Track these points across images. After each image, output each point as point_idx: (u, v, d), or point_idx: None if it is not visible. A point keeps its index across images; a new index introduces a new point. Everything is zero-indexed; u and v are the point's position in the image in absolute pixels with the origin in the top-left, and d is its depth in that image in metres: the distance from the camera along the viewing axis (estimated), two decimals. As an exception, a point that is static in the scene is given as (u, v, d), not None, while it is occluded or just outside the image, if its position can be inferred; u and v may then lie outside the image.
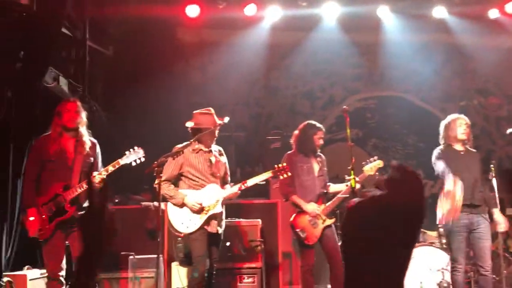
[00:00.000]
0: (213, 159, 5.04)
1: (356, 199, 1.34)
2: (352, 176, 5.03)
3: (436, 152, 5.43)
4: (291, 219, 5.50)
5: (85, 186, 4.66)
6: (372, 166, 5.58)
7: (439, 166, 5.31)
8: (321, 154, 5.70)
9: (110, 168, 4.74)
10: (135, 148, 4.87)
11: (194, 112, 5.07)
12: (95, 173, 4.73)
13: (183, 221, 4.89)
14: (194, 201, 4.86)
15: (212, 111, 5.07)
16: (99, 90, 8.24)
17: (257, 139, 8.75)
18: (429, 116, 8.86)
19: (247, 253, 5.85)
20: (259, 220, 6.04)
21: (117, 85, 8.38)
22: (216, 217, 4.92)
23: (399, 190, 1.30)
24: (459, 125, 5.47)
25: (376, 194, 1.32)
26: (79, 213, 4.73)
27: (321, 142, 5.56)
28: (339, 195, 5.51)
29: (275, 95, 9.06)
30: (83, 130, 4.85)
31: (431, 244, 6.12)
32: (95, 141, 5.01)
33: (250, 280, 5.78)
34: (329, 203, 5.50)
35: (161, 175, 4.59)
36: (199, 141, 5.00)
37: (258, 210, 6.37)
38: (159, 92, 8.37)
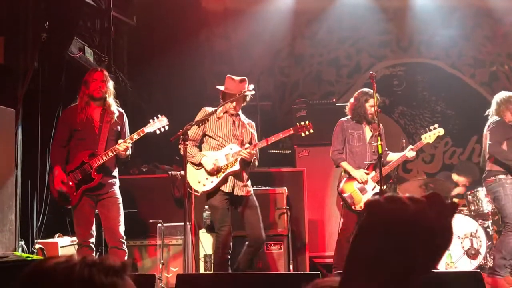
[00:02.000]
0: (237, 123, 5.06)
1: (376, 197, 1.22)
2: (379, 142, 5.00)
3: (493, 123, 5.43)
4: (340, 185, 5.58)
5: (110, 154, 4.71)
6: (431, 134, 5.57)
7: (497, 135, 5.33)
8: (378, 122, 5.68)
9: (135, 136, 4.77)
10: (159, 116, 4.88)
11: (227, 76, 5.09)
12: (120, 141, 4.77)
13: (200, 179, 4.95)
14: (211, 162, 4.89)
15: (245, 79, 5.07)
16: (124, 60, 8.26)
17: (283, 108, 8.71)
18: (458, 83, 8.67)
19: (273, 220, 5.88)
20: (285, 188, 6.04)
21: (142, 55, 8.39)
22: (233, 176, 4.95)
23: (434, 207, 1.17)
24: None
25: (405, 201, 1.16)
26: (108, 180, 4.81)
27: (373, 109, 5.50)
28: (391, 163, 5.61)
29: (300, 63, 8.95)
30: (110, 99, 4.87)
31: (459, 211, 6.07)
32: (122, 110, 5.02)
33: (277, 247, 5.81)
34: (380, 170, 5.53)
35: (186, 142, 4.61)
36: (226, 105, 5.02)
37: (284, 179, 6.37)
38: (184, 61, 8.35)
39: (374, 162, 5.52)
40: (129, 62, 8.34)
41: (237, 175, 4.96)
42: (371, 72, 5.40)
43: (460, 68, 8.75)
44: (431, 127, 5.63)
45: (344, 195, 5.50)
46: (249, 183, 5.10)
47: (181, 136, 4.59)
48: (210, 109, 5.01)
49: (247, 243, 5.03)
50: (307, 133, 5.13)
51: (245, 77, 5.05)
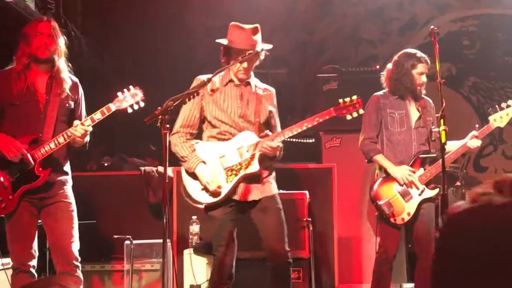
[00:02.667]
0: (246, 95, 4.95)
1: (461, 203, 1.26)
2: (442, 127, 4.98)
3: None
4: (373, 188, 5.56)
5: (61, 140, 4.73)
6: (503, 115, 5.56)
7: None
8: (427, 98, 5.66)
9: (97, 116, 4.75)
10: (131, 88, 4.88)
11: (231, 24, 5.00)
12: (76, 122, 4.77)
13: (203, 185, 4.89)
14: (209, 171, 4.80)
15: (258, 29, 4.98)
16: (78, 7, 8.28)
17: (304, 78, 8.71)
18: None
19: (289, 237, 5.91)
20: (306, 192, 6.05)
21: (101, 2, 8.41)
22: (250, 179, 4.90)
23: None
24: None
25: (496, 201, 1.22)
26: (56, 178, 4.83)
27: (424, 79, 5.49)
28: (448, 155, 5.43)
29: (329, 15, 8.95)
30: (61, 63, 4.87)
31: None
32: (76, 79, 5.01)
33: (294, 275, 5.83)
34: (432, 165, 5.51)
35: (167, 125, 4.58)
36: (231, 69, 4.95)
37: (306, 179, 6.40)
38: (163, 10, 8.36)
39: (424, 156, 5.52)
40: (84, 10, 8.34)
41: (254, 176, 4.90)
42: (431, 27, 5.40)
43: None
44: (503, 105, 5.60)
45: (380, 202, 5.48)
46: (271, 178, 4.99)
47: (160, 117, 4.57)
48: (206, 78, 4.91)
49: (268, 264, 4.99)
50: (355, 114, 4.92)
51: (257, 25, 4.98)
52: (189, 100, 4.75)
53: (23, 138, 4.76)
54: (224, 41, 4.93)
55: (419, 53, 5.54)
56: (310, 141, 7.58)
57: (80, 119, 4.87)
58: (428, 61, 5.54)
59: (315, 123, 4.88)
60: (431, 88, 5.42)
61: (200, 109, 4.92)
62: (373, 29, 8.92)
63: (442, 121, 5.00)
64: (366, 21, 8.91)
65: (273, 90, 5.14)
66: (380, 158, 5.53)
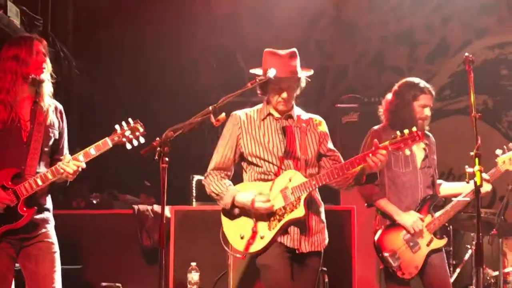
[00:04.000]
0: (290, 129, 4.88)
1: None
2: (477, 168, 4.95)
3: None
4: (376, 236, 5.51)
5: (50, 176, 4.72)
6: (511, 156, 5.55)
7: None
8: (429, 133, 5.68)
9: (92, 151, 4.74)
10: (130, 121, 4.88)
11: (265, 51, 4.98)
12: (67, 157, 4.77)
13: (243, 232, 4.83)
14: (257, 199, 4.68)
15: (296, 53, 4.96)
16: (70, 26, 8.34)
17: (321, 108, 8.72)
18: None
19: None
20: (322, 238, 6.04)
21: (96, 19, 8.47)
22: (298, 224, 4.88)
23: None
24: None
25: None
26: (39, 216, 4.83)
27: (427, 112, 5.51)
28: (455, 200, 5.46)
29: (351, 37, 8.99)
30: (46, 86, 4.92)
31: None
32: (60, 106, 5.03)
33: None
34: (440, 212, 5.49)
35: (166, 158, 4.57)
36: (268, 101, 4.94)
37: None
38: (164, 29, 8.40)
39: (431, 198, 5.49)
40: (76, 29, 8.41)
41: (301, 222, 4.81)
42: (466, 54, 5.41)
43: None
44: (511, 145, 5.57)
45: (386, 254, 5.45)
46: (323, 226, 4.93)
47: (158, 149, 4.57)
48: (244, 115, 4.90)
49: None
50: (407, 153, 4.74)
51: (294, 49, 4.96)
52: (192, 130, 4.70)
53: (5, 172, 4.74)
54: (259, 71, 4.90)
55: (423, 83, 5.55)
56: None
57: (62, 152, 4.89)
58: (433, 92, 5.53)
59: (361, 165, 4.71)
60: (465, 122, 5.40)
61: (234, 146, 4.91)
62: (400, 53, 8.96)
63: (477, 160, 4.97)
64: (392, 45, 8.96)
65: (319, 118, 5.07)
66: (384, 203, 5.52)
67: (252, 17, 8.84)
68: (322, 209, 4.94)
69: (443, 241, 5.48)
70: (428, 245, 5.45)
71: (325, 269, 5.88)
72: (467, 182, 5.29)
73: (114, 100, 8.15)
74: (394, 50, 8.95)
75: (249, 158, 4.87)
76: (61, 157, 4.78)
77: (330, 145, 4.98)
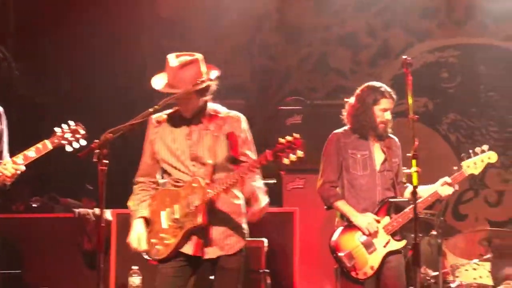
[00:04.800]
0: (196, 133, 4.73)
1: None
2: (413, 169, 5.00)
3: None
4: (333, 237, 5.55)
5: (-13, 181, 4.67)
6: (477, 161, 5.61)
7: None
8: (392, 136, 5.72)
9: (31, 154, 4.70)
10: (71, 123, 4.84)
11: (168, 56, 4.85)
12: (6, 160, 4.72)
13: (152, 237, 4.80)
14: (137, 233, 4.68)
15: (198, 56, 4.82)
16: (11, 27, 8.25)
17: (265, 110, 8.73)
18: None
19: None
20: (264, 240, 6.05)
21: (39, 19, 8.38)
22: (197, 232, 4.83)
23: None
24: None
25: None
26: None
27: (388, 116, 5.55)
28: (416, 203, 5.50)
29: (295, 40, 9.02)
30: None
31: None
32: (0, 108, 5.01)
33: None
34: (399, 214, 5.54)
35: (105, 161, 4.52)
36: (177, 103, 4.82)
37: (264, 224, 6.36)
38: (110, 29, 8.34)
39: (389, 200, 5.55)
40: (18, 30, 8.31)
41: (203, 229, 4.69)
42: (404, 56, 5.45)
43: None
44: (478, 149, 5.64)
45: (340, 254, 5.48)
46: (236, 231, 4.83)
47: (97, 151, 4.51)
48: (161, 118, 4.77)
49: None
50: (292, 158, 4.45)
51: (194, 55, 4.84)
52: (132, 131, 4.58)
53: None
54: (160, 82, 4.75)
55: (384, 87, 5.59)
56: (271, 181, 7.56)
57: (1, 156, 4.84)
58: (394, 97, 5.58)
59: (245, 174, 4.56)
60: (406, 125, 5.41)
61: (151, 152, 4.81)
62: (343, 56, 8.98)
63: (414, 162, 5.02)
64: (336, 48, 8.98)
65: (238, 114, 4.87)
66: (341, 205, 5.55)
67: (200, 19, 8.81)
68: (236, 214, 4.83)
69: (402, 243, 5.51)
70: (385, 246, 5.48)
71: (267, 270, 5.91)
72: (404, 183, 5.41)
73: (56, 102, 8.06)
74: (337, 53, 8.97)
75: (163, 165, 4.77)
76: (1, 161, 4.73)
77: (245, 148, 4.80)
